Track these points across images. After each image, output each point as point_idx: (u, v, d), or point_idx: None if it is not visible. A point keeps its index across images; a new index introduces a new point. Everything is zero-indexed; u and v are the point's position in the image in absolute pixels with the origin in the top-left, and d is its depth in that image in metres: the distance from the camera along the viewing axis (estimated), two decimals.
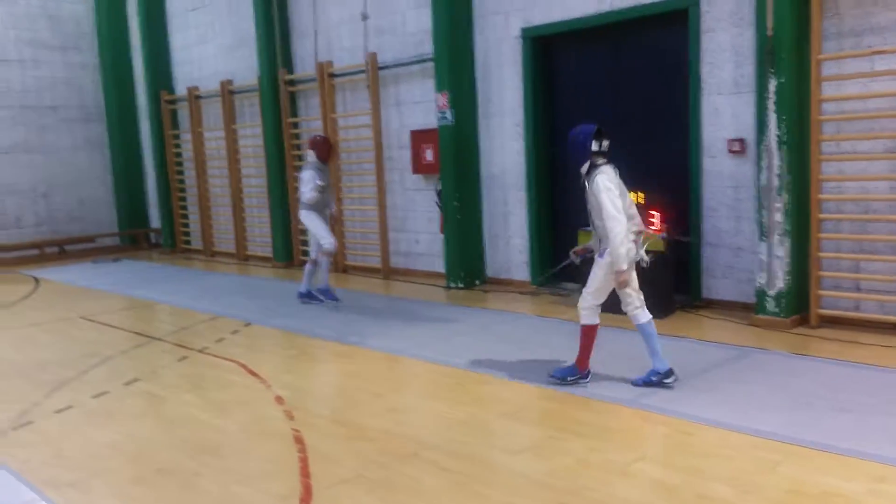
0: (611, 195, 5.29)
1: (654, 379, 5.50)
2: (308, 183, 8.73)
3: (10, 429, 5.37)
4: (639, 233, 5.53)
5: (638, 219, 5.58)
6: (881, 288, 6.78)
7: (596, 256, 5.58)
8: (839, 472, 4.05)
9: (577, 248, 6.08)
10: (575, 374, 5.64)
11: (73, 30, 15.78)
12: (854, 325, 6.84)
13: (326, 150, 9.00)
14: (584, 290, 5.59)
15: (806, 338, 6.69)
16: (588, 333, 5.61)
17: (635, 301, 5.56)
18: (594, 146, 5.38)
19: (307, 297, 9.19)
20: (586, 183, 5.44)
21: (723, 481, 4.01)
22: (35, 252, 14.88)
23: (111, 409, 5.73)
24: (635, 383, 5.56)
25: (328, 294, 8.96)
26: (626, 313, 5.60)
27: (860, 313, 6.87)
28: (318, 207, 8.92)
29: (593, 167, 5.41)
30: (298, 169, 12.27)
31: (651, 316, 5.57)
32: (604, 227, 5.37)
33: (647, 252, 5.67)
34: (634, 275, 5.51)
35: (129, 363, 7.04)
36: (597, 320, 5.59)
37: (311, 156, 8.95)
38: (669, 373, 5.49)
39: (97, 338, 8.12)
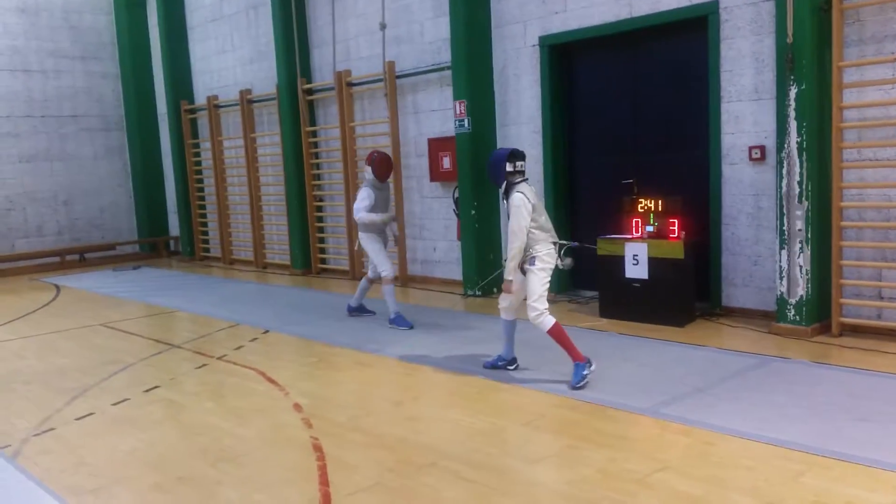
0: (519, 212, 5.82)
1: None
2: (362, 201, 8.15)
3: (31, 436, 5.42)
4: (554, 243, 6.04)
5: (553, 232, 6.10)
6: None
7: (527, 265, 5.97)
8: (863, 482, 4.00)
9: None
10: (583, 369, 5.82)
11: (95, 40, 15.96)
12: (876, 334, 6.77)
13: (385, 167, 8.29)
14: (530, 300, 5.93)
15: (827, 346, 6.63)
16: (559, 333, 5.94)
17: (503, 302, 6.21)
18: (508, 167, 5.93)
19: (357, 311, 8.90)
20: (505, 200, 6.00)
21: (745, 492, 3.97)
22: (56, 259, 15.03)
23: (132, 417, 5.76)
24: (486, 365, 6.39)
25: (401, 321, 8.16)
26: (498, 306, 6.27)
27: (882, 321, 6.80)
28: (377, 229, 8.33)
29: (510, 185, 5.95)
30: (316, 178, 12.39)
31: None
32: (527, 238, 5.89)
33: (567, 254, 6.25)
34: (542, 285, 5.95)
35: (149, 371, 7.09)
36: (553, 320, 5.95)
37: (367, 172, 8.30)
38: (514, 360, 6.36)
39: (117, 345, 8.18)
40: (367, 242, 8.34)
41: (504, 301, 6.23)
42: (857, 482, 4.01)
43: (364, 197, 8.18)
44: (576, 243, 7.09)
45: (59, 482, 4.59)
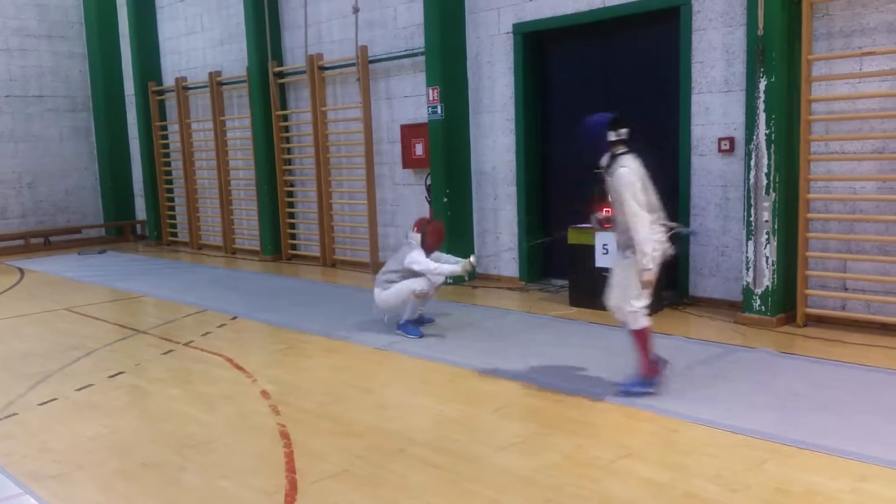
0: (633, 189, 4.99)
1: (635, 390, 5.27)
2: (424, 263, 7.12)
3: None
4: (663, 226, 5.21)
5: (661, 212, 5.27)
6: (868, 287, 6.82)
7: (618, 253, 5.30)
8: (824, 470, 4.07)
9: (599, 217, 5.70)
10: (646, 386, 5.24)
11: (61, 18, 15.64)
12: (840, 325, 6.88)
13: (438, 241, 7.42)
14: (625, 294, 5.17)
15: (792, 336, 6.72)
16: (644, 338, 5.24)
17: (637, 302, 5.22)
18: (611, 136, 5.12)
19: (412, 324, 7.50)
20: (607, 175, 5.17)
21: (709, 479, 4.02)
22: (20, 243, 14.77)
23: (95, 402, 5.69)
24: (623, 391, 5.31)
25: (410, 328, 7.37)
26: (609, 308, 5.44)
27: (846, 312, 6.91)
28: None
29: (613, 158, 5.14)
30: (288, 162, 12.28)
31: (650, 323, 5.24)
32: (625, 222, 5.09)
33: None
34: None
35: (113, 356, 6.99)
36: (648, 322, 5.21)
37: (414, 239, 7.31)
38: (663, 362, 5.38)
39: (82, 330, 8.06)
40: (390, 296, 7.32)
41: (639, 301, 5.20)
42: (818, 470, 4.08)
43: (422, 259, 7.14)
44: (689, 229, 6.07)
45: (20, 468, 4.52)
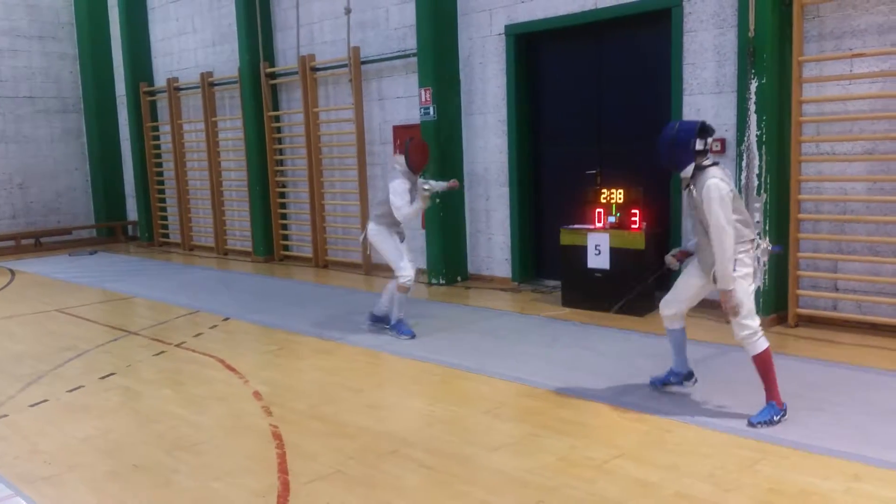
0: (724, 204, 4.63)
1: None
2: (403, 195, 6.90)
3: None
4: (752, 241, 4.83)
5: (753, 226, 4.91)
6: (858, 288, 6.85)
7: (709, 276, 4.92)
8: (816, 470, 4.09)
9: (674, 252, 5.39)
10: (776, 414, 4.76)
11: (52, 19, 15.58)
12: (831, 325, 6.90)
13: (423, 157, 7.13)
14: (737, 318, 4.76)
15: (783, 336, 6.74)
16: (767, 361, 4.81)
17: (668, 310, 5.11)
18: (699, 145, 4.72)
19: (380, 321, 7.50)
20: (692, 188, 4.77)
21: (702, 479, 4.03)
22: (11, 244, 14.69)
23: (87, 404, 5.66)
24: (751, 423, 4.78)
25: (403, 328, 7.22)
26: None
27: (838, 313, 6.94)
28: (390, 223, 7.13)
29: (699, 170, 4.75)
30: (280, 163, 12.26)
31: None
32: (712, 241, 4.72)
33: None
34: (748, 296, 4.78)
35: (105, 357, 6.96)
36: (767, 343, 4.81)
37: (399, 162, 7.11)
38: (691, 374, 5.38)
39: (73, 331, 8.02)
40: (380, 237, 7.17)
41: (669, 308, 5.16)
42: (811, 470, 4.09)
43: (400, 191, 6.92)
44: (779, 247, 5.69)
45: (11, 469, 4.50)
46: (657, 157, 4.96)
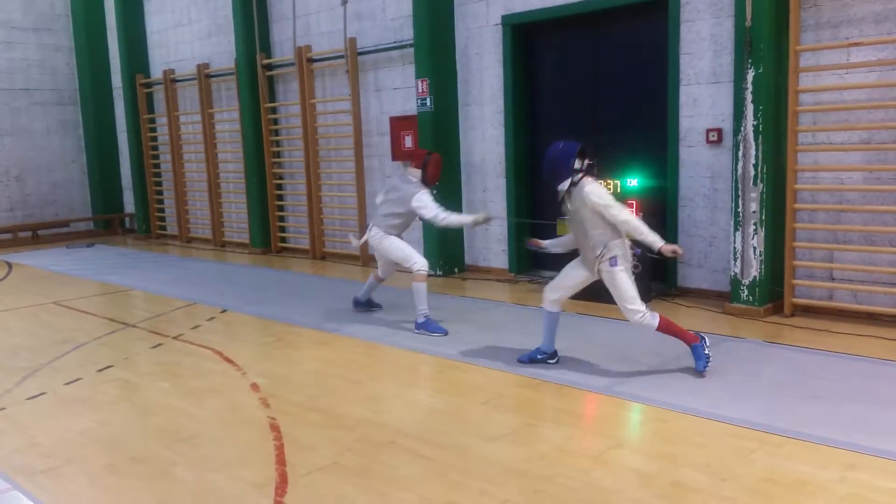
0: (606, 197, 5.38)
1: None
2: (434, 204, 7.02)
3: None
4: (621, 240, 5.54)
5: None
6: (854, 277, 6.86)
7: (606, 266, 5.47)
8: (812, 459, 4.10)
9: (535, 240, 6.14)
10: (702, 348, 5.46)
11: (47, 11, 15.52)
12: (827, 314, 6.92)
13: (439, 173, 7.30)
14: (625, 304, 5.49)
15: (779, 326, 6.76)
16: (667, 326, 5.52)
17: (553, 294, 5.79)
18: (577, 164, 5.43)
19: (364, 305, 7.91)
20: (567, 199, 5.51)
21: (698, 469, 4.04)
22: (8, 236, 14.67)
23: (84, 396, 5.67)
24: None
25: (433, 326, 7.02)
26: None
27: (834, 302, 6.95)
28: (400, 233, 7.36)
29: (573, 185, 5.45)
30: (277, 154, 12.23)
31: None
32: (596, 237, 5.42)
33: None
34: (631, 284, 5.53)
35: (102, 350, 6.97)
36: (657, 315, 5.51)
37: (414, 175, 7.19)
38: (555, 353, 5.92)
39: (70, 324, 8.02)
40: (388, 242, 7.27)
41: (554, 293, 5.78)
42: (806, 459, 4.11)
43: (429, 201, 7.01)
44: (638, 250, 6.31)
45: (9, 463, 4.50)
46: (542, 171, 5.64)
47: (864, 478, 3.88)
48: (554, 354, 5.93)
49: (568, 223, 5.77)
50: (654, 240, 5.35)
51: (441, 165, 7.35)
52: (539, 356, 5.92)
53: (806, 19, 6.86)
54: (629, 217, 5.36)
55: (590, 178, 5.47)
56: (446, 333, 6.90)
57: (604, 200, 5.36)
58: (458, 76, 9.61)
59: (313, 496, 3.93)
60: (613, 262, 5.44)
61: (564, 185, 5.46)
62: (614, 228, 5.42)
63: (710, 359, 5.44)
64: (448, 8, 9.47)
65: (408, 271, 7.19)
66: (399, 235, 7.36)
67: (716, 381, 5.37)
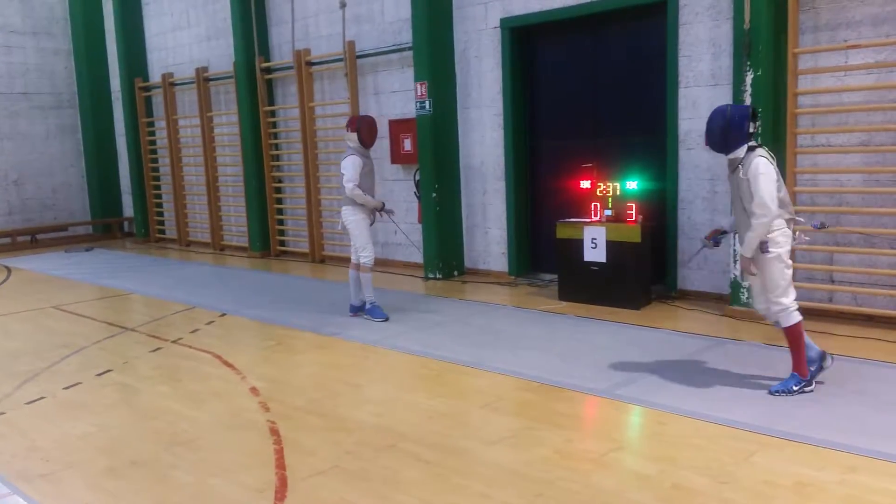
0: (768, 180, 4.89)
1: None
2: (352, 171, 7.30)
3: None
4: (789, 220, 5.07)
5: (790, 206, 5.14)
6: (854, 280, 6.86)
7: (756, 251, 5.04)
8: (812, 462, 4.10)
9: (707, 234, 5.66)
10: (799, 382, 5.07)
11: (46, 15, 15.53)
12: (827, 317, 6.91)
13: (373, 131, 7.47)
14: (769, 295, 5.08)
15: (779, 329, 6.74)
16: (797, 334, 5.10)
17: (784, 303, 5.08)
18: (751, 128, 4.98)
19: (361, 310, 7.81)
20: (741, 167, 4.98)
21: (698, 471, 4.04)
22: (7, 241, 14.67)
23: (84, 401, 5.66)
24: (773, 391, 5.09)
25: (377, 312, 7.62)
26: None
27: (833, 305, 6.95)
28: (359, 204, 7.51)
29: (750, 150, 4.98)
30: (275, 158, 12.24)
31: (800, 319, 5.09)
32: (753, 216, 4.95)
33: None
34: (783, 275, 5.03)
35: (102, 354, 6.96)
36: (800, 317, 5.08)
37: (351, 139, 7.46)
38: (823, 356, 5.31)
39: (70, 328, 8.02)
40: (352, 218, 7.49)
41: (757, 303, 5.31)
42: (806, 461, 4.11)
43: (351, 166, 7.29)
44: (818, 223, 5.90)
45: (9, 467, 4.50)
46: (709, 140, 5.19)
47: (864, 480, 3.88)
48: (823, 356, 5.25)
49: (731, 194, 5.27)
50: (748, 247, 4.95)
51: (372, 125, 7.53)
52: (812, 366, 5.20)
53: (804, 22, 6.87)
54: (760, 216, 4.85)
55: (763, 149, 5.03)
56: (387, 319, 7.55)
57: (761, 176, 4.85)
58: (457, 79, 9.62)
59: (313, 500, 3.92)
60: (765, 247, 4.96)
61: (741, 152, 4.99)
62: (778, 207, 4.95)
63: (791, 395, 5.01)
64: (447, 11, 9.48)
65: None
66: (364, 212, 7.53)
67: (716, 384, 5.37)
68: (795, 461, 4.11)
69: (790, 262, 5.06)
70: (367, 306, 7.66)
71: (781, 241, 4.98)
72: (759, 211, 4.87)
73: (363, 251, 7.53)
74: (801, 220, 5.26)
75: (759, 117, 5.12)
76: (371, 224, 7.64)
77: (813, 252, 7.04)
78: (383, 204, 7.68)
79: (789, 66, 6.81)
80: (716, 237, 5.59)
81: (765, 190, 4.86)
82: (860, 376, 5.43)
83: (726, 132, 5.01)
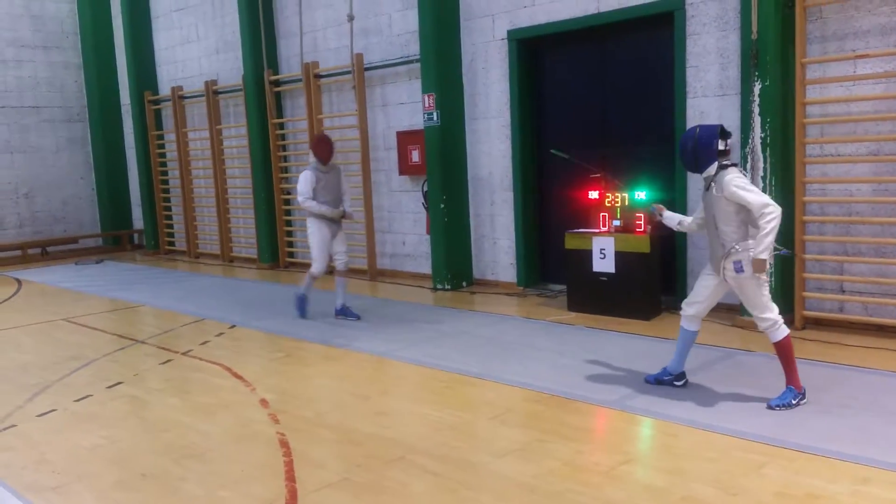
0: (747, 183, 4.96)
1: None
2: (302, 184, 7.96)
3: None
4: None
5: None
6: (865, 290, 6.83)
7: (730, 271, 5.10)
8: (823, 473, 4.07)
9: (658, 207, 5.78)
10: (797, 395, 5.06)
11: (56, 29, 15.67)
12: (838, 327, 6.89)
13: (325, 148, 7.99)
14: (753, 311, 5.13)
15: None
16: (787, 348, 5.10)
17: (690, 309, 5.36)
18: (720, 146, 5.05)
19: (342, 313, 8.37)
20: (713, 185, 5.06)
21: (708, 483, 4.02)
22: (17, 253, 14.75)
23: (94, 413, 5.67)
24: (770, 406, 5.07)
25: (302, 307, 8.45)
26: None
27: (844, 315, 6.92)
28: (319, 216, 8.08)
29: (721, 168, 5.04)
30: (284, 170, 12.29)
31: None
32: (728, 235, 5.05)
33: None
34: (762, 290, 5.09)
35: (112, 366, 6.98)
36: (787, 330, 5.11)
37: (311, 156, 8.18)
38: (682, 375, 5.57)
39: (80, 340, 8.05)
40: (309, 230, 8.17)
41: (690, 308, 5.40)
42: (818, 473, 4.08)
43: (303, 180, 7.97)
44: (786, 251, 5.94)
45: (20, 480, 4.51)
46: (682, 160, 5.31)
47: (876, 492, 3.85)
48: (682, 376, 5.55)
49: (703, 212, 5.32)
50: (763, 249, 4.85)
51: (324, 142, 8.07)
52: (665, 377, 5.57)
53: (812, 31, 6.87)
54: (767, 217, 4.80)
55: (736, 168, 5.08)
56: (304, 317, 8.33)
57: (740, 188, 4.90)
58: (465, 91, 9.65)
59: None
60: (738, 266, 5.02)
61: (711, 170, 5.06)
62: (746, 229, 5.02)
63: (790, 409, 5.00)
64: (454, 23, 9.52)
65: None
66: (325, 224, 8.10)
67: (726, 395, 5.35)
68: (807, 473, 4.09)
69: (766, 277, 5.05)
70: (300, 294, 8.44)
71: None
72: (764, 210, 4.83)
73: (315, 262, 8.19)
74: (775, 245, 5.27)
75: (730, 135, 5.15)
76: (334, 235, 8.18)
77: (823, 262, 7.02)
78: (343, 212, 8.14)
79: (797, 75, 6.80)
80: (657, 210, 5.79)
81: (753, 191, 4.92)
82: (872, 387, 5.40)
83: (696, 151, 5.11)
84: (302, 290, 8.44)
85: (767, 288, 5.10)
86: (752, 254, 4.94)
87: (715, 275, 5.24)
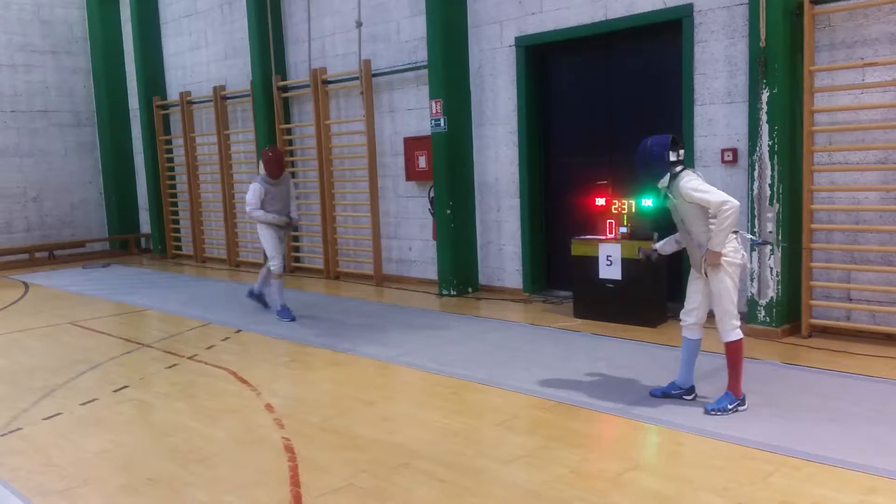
0: (701, 182, 5.05)
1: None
2: (249, 196, 8.62)
3: None
4: (736, 232, 5.14)
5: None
6: (872, 298, 6.80)
7: (702, 272, 5.19)
8: (830, 483, 4.05)
9: (646, 248, 5.81)
10: (734, 400, 5.12)
11: (66, 34, 15.75)
12: (845, 335, 6.86)
13: (275, 166, 8.55)
14: (719, 309, 5.13)
15: (797, 347, 6.70)
16: (737, 352, 5.15)
17: (689, 318, 5.36)
18: (672, 157, 5.14)
19: (254, 296, 9.30)
20: (669, 194, 5.18)
21: (715, 492, 4.00)
22: (25, 257, 14.81)
23: (100, 417, 5.69)
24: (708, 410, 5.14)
25: (285, 313, 8.70)
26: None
27: (851, 323, 6.89)
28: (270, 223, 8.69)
29: (673, 177, 5.15)
30: (292, 175, 12.30)
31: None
32: (700, 235, 5.10)
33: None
34: (733, 294, 5.11)
35: (118, 370, 7.00)
36: (741, 335, 5.15)
37: (260, 169, 8.69)
38: (692, 389, 5.49)
39: (86, 344, 8.07)
40: (260, 233, 8.75)
41: (689, 317, 5.37)
42: (824, 482, 4.06)
43: (250, 192, 8.58)
44: (760, 240, 6.03)
45: (26, 483, 4.52)
46: (637, 172, 5.36)
47: (883, 501, 3.83)
48: (692, 390, 5.45)
49: (674, 220, 5.37)
50: (717, 240, 4.96)
51: (274, 160, 8.57)
52: (674, 391, 5.48)
53: (820, 39, 6.86)
54: (724, 213, 4.89)
55: (690, 171, 5.17)
56: (294, 319, 8.59)
57: (694, 192, 4.99)
58: (472, 97, 9.66)
59: None
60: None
61: (664, 181, 5.16)
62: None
63: (727, 416, 5.05)
64: (462, 30, 9.54)
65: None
66: (273, 228, 8.67)
67: None
68: (813, 482, 4.07)
69: (737, 277, 5.11)
70: (278, 308, 8.75)
71: (733, 256, 5.08)
72: (723, 207, 4.91)
73: (272, 260, 8.68)
74: (745, 234, 5.41)
75: (682, 144, 5.24)
76: (282, 239, 8.84)
77: (830, 270, 6.99)
78: (288, 221, 8.76)
79: (805, 83, 6.79)
80: (649, 252, 5.74)
81: (709, 191, 4.98)
82: (879, 396, 5.38)
83: (648, 163, 5.20)
84: (278, 302, 8.80)
85: (737, 293, 5.13)
86: (725, 249, 5.00)
87: (700, 276, 5.26)
